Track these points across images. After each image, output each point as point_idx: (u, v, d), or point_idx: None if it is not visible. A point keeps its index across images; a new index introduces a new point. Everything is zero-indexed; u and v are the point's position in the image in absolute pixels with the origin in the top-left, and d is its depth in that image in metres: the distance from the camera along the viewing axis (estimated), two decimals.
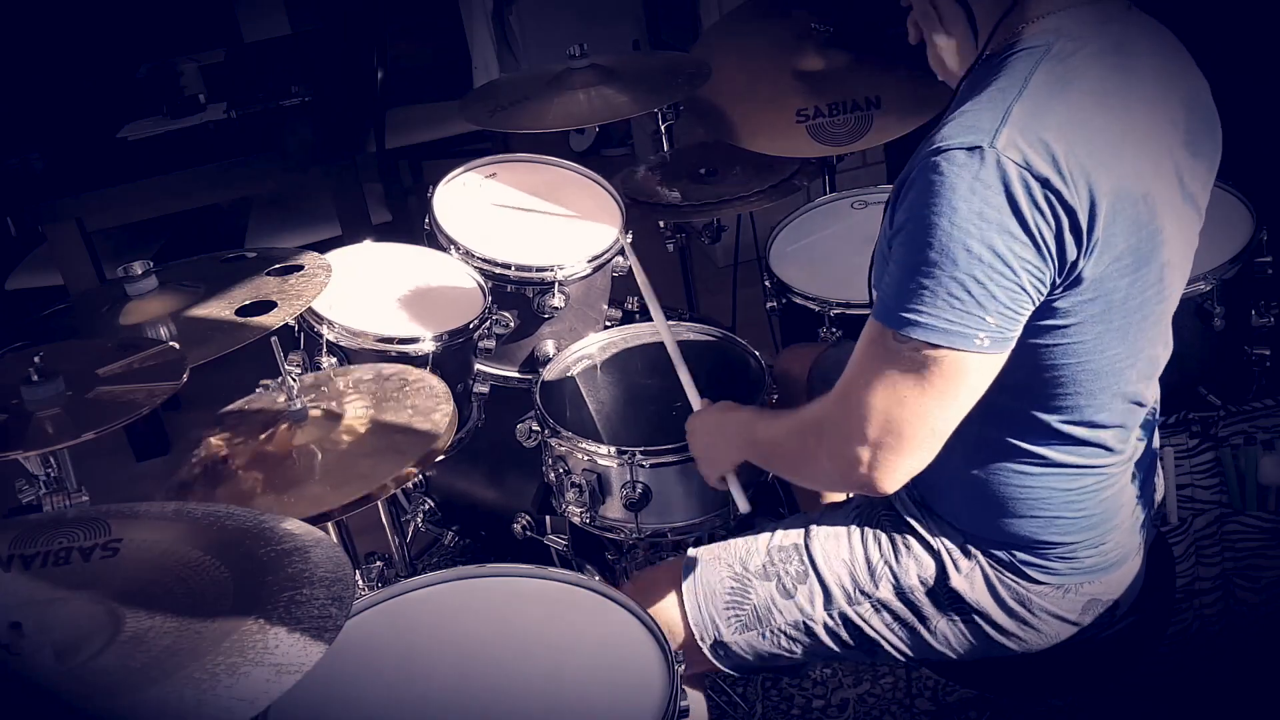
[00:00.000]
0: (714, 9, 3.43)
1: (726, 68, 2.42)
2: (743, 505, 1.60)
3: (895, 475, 1.20)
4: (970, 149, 1.09)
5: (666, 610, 1.48)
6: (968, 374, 1.15)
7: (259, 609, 1.00)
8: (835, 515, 1.49)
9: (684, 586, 1.48)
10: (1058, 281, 1.14)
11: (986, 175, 1.08)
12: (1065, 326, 1.18)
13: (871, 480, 1.21)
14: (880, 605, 1.42)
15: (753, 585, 1.46)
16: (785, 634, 1.45)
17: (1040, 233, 1.10)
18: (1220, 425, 1.87)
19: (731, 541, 1.53)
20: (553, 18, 4.44)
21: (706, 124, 2.47)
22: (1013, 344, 1.16)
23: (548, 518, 2.06)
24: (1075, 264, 1.13)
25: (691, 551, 1.53)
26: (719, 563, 1.49)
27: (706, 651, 1.48)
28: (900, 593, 1.41)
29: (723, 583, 1.47)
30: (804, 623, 1.44)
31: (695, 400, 1.68)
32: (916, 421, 1.17)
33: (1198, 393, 1.99)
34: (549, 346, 2.15)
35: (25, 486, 1.47)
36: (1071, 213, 1.10)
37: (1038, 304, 1.15)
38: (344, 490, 1.48)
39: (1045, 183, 1.09)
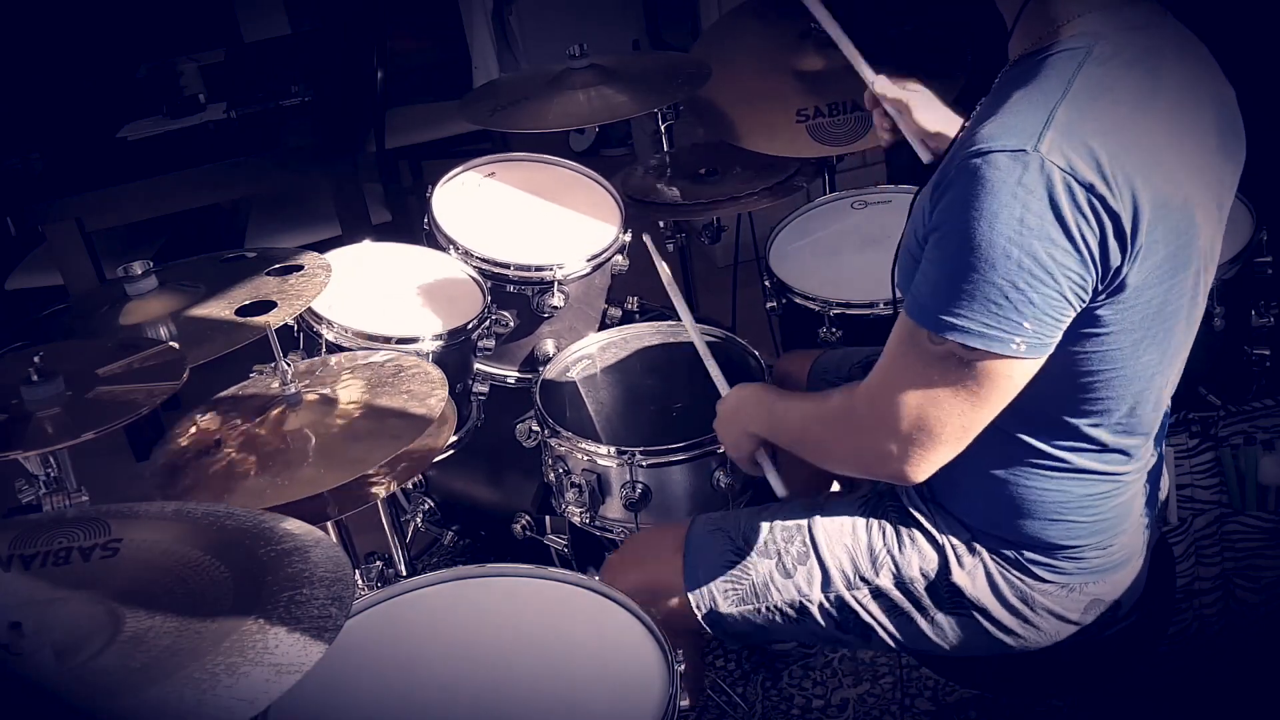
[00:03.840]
0: (714, 9, 3.44)
1: (726, 68, 2.42)
2: (779, 489, 1.60)
3: (926, 468, 1.22)
4: (1014, 152, 1.08)
5: (665, 572, 1.50)
6: (1003, 377, 1.15)
7: (259, 609, 1.00)
8: (842, 503, 1.49)
9: (685, 556, 1.50)
10: (1100, 288, 1.13)
11: (1030, 180, 1.07)
12: (1104, 334, 1.17)
13: (902, 472, 1.22)
14: (878, 592, 1.42)
15: (753, 561, 1.47)
16: (780, 611, 1.46)
17: (1084, 239, 1.09)
18: (1220, 425, 1.87)
19: (736, 513, 1.54)
20: (553, 18, 4.44)
21: (706, 124, 2.47)
22: (1051, 348, 1.15)
23: (548, 518, 2.06)
24: (1119, 270, 1.12)
25: (695, 519, 1.54)
26: (721, 534, 1.50)
27: (700, 619, 1.49)
28: (900, 583, 1.41)
29: (723, 555, 1.48)
30: (800, 602, 1.45)
31: (724, 387, 1.68)
32: (950, 420, 1.18)
33: (1198, 393, 1.99)
34: (549, 346, 2.15)
35: (25, 486, 1.47)
36: (1116, 219, 1.09)
37: (1079, 310, 1.14)
38: (337, 473, 1.48)
39: (1090, 188, 1.08)
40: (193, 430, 1.62)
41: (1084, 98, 1.11)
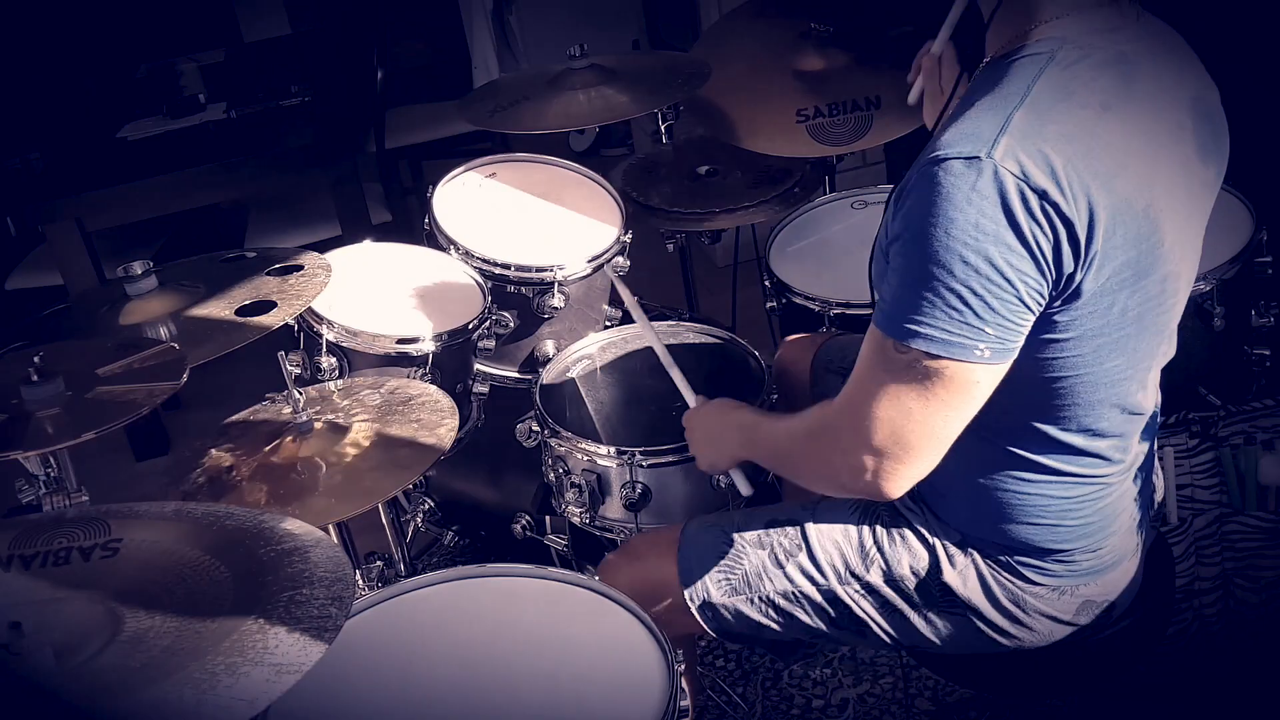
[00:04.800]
0: (714, 9, 3.44)
1: (726, 68, 2.42)
2: (744, 489, 1.62)
3: (901, 482, 1.21)
4: (968, 159, 1.08)
5: (660, 569, 1.50)
6: (970, 384, 1.15)
7: (259, 609, 1.01)
8: (835, 505, 1.50)
9: (680, 549, 1.51)
10: (1054, 294, 1.13)
11: (983, 186, 1.08)
12: (1064, 340, 1.18)
13: (877, 487, 1.21)
14: (869, 589, 1.43)
15: (746, 551, 1.48)
16: (773, 603, 1.46)
17: (1038, 244, 1.09)
18: (1220, 425, 1.87)
19: (731, 512, 1.56)
20: (553, 18, 4.44)
21: (706, 124, 2.47)
22: (1016, 353, 1.15)
23: (548, 518, 2.06)
24: (1073, 277, 1.12)
25: (691, 519, 1.56)
26: (716, 528, 1.51)
27: (695, 612, 1.49)
28: (890, 579, 1.41)
29: (717, 545, 1.49)
30: (792, 593, 1.45)
31: (690, 398, 1.68)
32: (921, 431, 1.17)
33: (1198, 393, 1.99)
34: (549, 346, 2.15)
35: (25, 486, 1.47)
36: (1070, 225, 1.09)
37: (1037, 315, 1.14)
38: (348, 503, 1.49)
39: (1043, 195, 1.08)
40: (207, 464, 1.63)
41: (1044, 103, 1.11)
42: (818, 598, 1.45)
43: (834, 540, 1.45)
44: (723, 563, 1.48)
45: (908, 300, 1.13)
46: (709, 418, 1.59)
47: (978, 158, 1.08)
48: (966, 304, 1.10)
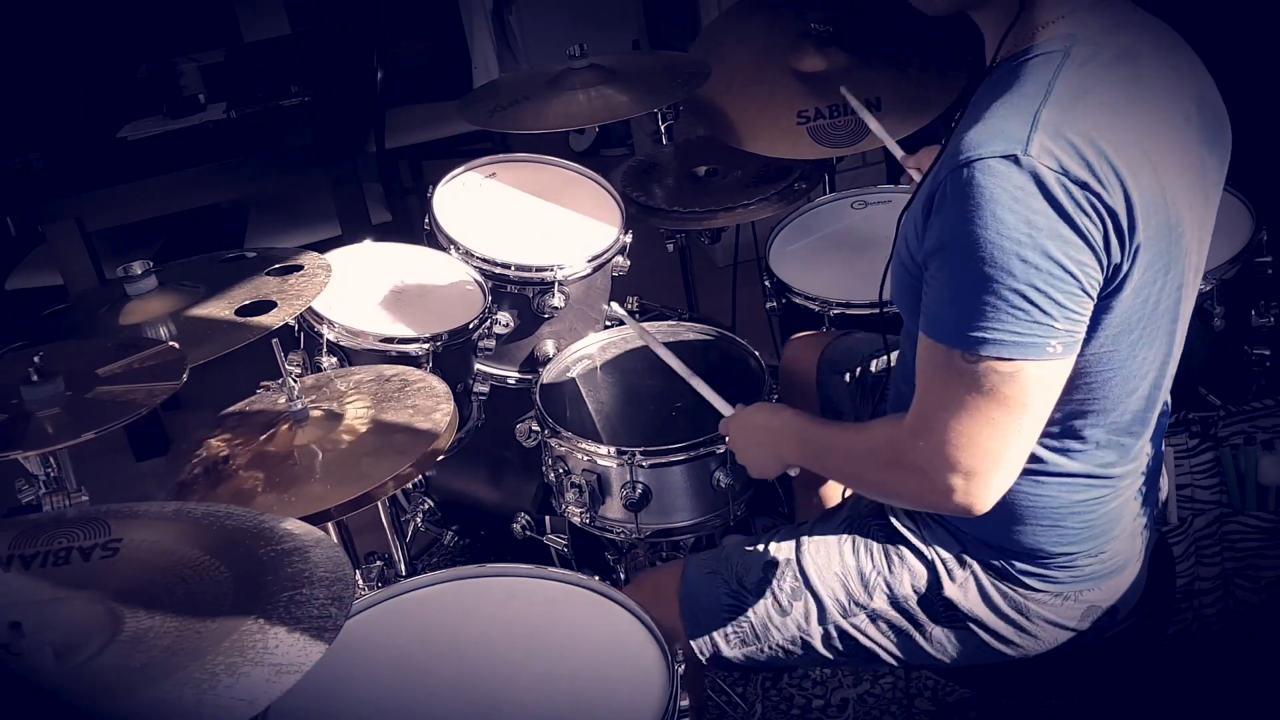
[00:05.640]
0: (714, 9, 3.43)
1: (726, 68, 2.42)
2: (794, 472, 1.51)
3: (990, 496, 1.19)
4: (1004, 157, 1.07)
5: (666, 617, 1.47)
6: (1046, 382, 1.14)
7: (259, 609, 1.01)
8: (826, 526, 1.48)
9: (682, 601, 1.48)
10: (1102, 285, 1.13)
11: (1025, 183, 1.06)
12: (1103, 334, 1.17)
13: (968, 506, 1.19)
14: (875, 615, 1.42)
15: (750, 602, 1.45)
16: (783, 648, 1.45)
17: (1090, 234, 1.08)
18: (1220, 425, 1.87)
19: (727, 552, 1.51)
20: (553, 18, 4.44)
21: (706, 124, 2.47)
22: (1080, 343, 1.14)
23: (548, 518, 2.06)
24: (1119, 268, 1.12)
25: (689, 561, 1.53)
26: (716, 577, 1.48)
27: (704, 661, 1.48)
28: (894, 602, 1.40)
29: (720, 600, 1.47)
30: (800, 638, 1.44)
31: (724, 407, 1.60)
32: (1007, 439, 1.15)
33: (1198, 393, 1.99)
34: (549, 346, 2.15)
35: (25, 486, 1.47)
36: (1114, 215, 1.09)
37: (1095, 304, 1.13)
38: (345, 489, 1.49)
39: (1085, 186, 1.07)
40: (204, 454, 1.63)
41: (1065, 100, 1.10)
42: (827, 635, 1.43)
43: (833, 573, 1.43)
44: (728, 615, 1.46)
45: (968, 309, 1.11)
46: (755, 422, 1.51)
47: (1014, 155, 1.07)
48: (1032, 303, 1.09)
